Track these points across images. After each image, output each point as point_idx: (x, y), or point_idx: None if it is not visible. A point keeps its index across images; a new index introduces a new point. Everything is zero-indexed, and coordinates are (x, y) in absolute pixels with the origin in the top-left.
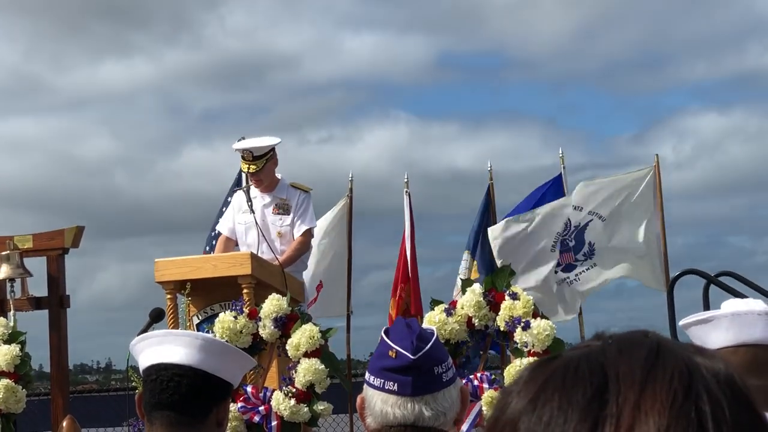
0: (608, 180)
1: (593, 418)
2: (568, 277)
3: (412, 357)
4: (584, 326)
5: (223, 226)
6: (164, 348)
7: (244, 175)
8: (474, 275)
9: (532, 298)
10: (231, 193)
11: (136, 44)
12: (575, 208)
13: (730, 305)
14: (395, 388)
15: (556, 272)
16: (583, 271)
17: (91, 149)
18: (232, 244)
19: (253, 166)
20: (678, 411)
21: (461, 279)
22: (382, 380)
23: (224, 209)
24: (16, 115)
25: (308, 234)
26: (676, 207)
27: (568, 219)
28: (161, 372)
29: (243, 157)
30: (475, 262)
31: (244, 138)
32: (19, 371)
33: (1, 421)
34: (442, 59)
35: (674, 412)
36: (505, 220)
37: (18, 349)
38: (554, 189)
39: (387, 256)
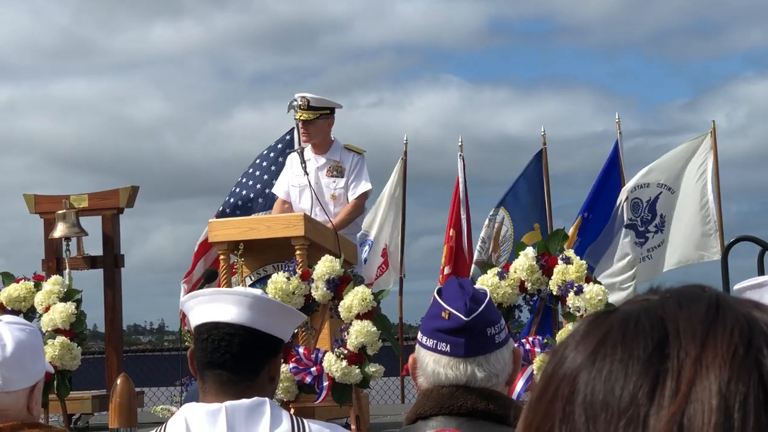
0: (670, 153)
1: (654, 372)
2: (641, 254)
3: (465, 318)
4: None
5: (279, 189)
6: (215, 306)
7: (296, 138)
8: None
9: (584, 263)
10: (272, 154)
11: (185, 6)
12: (641, 186)
13: None
14: (448, 349)
15: (641, 245)
16: (655, 247)
17: (142, 111)
18: (288, 206)
19: (305, 115)
20: (739, 365)
21: (515, 244)
22: (435, 341)
23: (255, 171)
24: (68, 76)
25: (362, 197)
26: (729, 175)
27: (638, 199)
28: (212, 331)
29: (300, 106)
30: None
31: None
32: (75, 329)
33: (57, 377)
34: (493, 24)
35: (735, 366)
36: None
37: (74, 307)
38: (611, 157)
39: (438, 221)
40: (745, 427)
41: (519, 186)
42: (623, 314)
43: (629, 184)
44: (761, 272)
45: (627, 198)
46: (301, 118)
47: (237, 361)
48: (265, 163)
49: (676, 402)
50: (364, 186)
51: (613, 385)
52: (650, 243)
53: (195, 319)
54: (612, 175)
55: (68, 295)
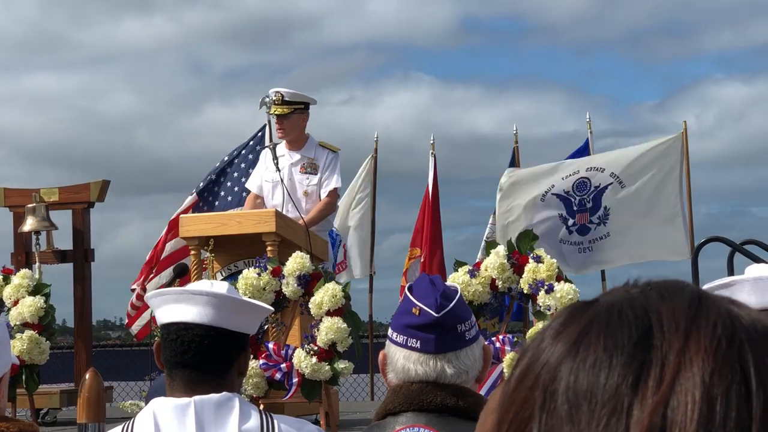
0: (635, 147)
1: (639, 362)
2: (582, 243)
3: (435, 315)
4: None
5: (252, 184)
6: (182, 306)
7: (268, 134)
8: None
9: (555, 261)
10: (246, 149)
11: (156, 1)
12: (596, 169)
13: (754, 270)
14: (418, 345)
15: (570, 232)
16: (598, 239)
17: (113, 106)
18: (260, 201)
19: (279, 109)
20: (722, 358)
21: (486, 241)
22: (405, 337)
23: (227, 168)
24: (38, 70)
25: (334, 194)
26: (698, 176)
27: (587, 179)
28: (181, 332)
29: (274, 101)
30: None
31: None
32: (44, 323)
33: (25, 372)
34: (465, 23)
35: (719, 359)
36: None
37: (42, 300)
38: (578, 153)
39: (408, 218)
40: (727, 419)
41: None
42: (606, 304)
43: (583, 161)
44: (731, 272)
45: (577, 172)
46: (275, 112)
47: (207, 361)
48: (240, 162)
49: (659, 393)
50: (336, 183)
51: (597, 375)
52: (593, 234)
53: (162, 317)
54: None
55: (37, 289)
